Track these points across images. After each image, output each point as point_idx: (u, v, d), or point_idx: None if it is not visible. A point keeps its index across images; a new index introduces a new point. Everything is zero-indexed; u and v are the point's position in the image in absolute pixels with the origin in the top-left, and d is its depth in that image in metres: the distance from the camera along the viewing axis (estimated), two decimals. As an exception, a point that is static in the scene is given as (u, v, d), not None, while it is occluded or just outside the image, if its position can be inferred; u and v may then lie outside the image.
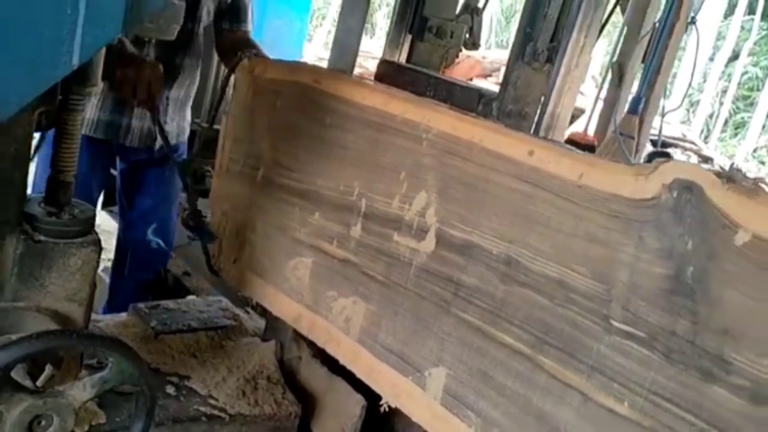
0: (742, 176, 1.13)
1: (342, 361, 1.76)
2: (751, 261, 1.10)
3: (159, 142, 2.53)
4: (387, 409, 1.66)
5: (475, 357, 1.47)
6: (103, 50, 1.40)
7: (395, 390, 1.63)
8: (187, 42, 2.47)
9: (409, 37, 2.23)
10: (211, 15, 2.55)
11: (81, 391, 1.29)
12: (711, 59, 16.91)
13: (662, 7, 3.65)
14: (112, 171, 2.76)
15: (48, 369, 1.27)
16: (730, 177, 1.14)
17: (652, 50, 3.51)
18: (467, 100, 1.91)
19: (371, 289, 1.68)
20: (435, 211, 1.56)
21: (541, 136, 1.83)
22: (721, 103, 17.25)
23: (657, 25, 3.53)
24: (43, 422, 1.25)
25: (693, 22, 3.65)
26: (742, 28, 17.35)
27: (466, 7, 2.20)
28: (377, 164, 1.67)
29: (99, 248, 1.46)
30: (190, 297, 2.90)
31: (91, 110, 2.44)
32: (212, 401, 1.81)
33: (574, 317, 1.32)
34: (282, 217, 1.90)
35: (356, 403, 1.77)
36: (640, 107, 3.49)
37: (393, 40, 2.44)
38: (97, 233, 1.48)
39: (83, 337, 1.33)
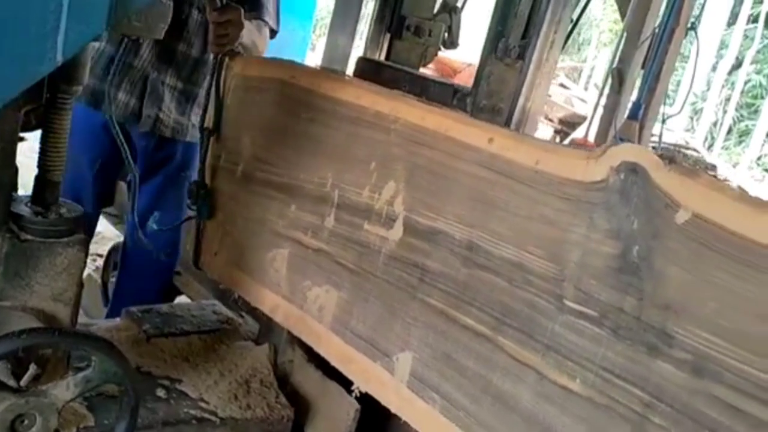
0: (683, 158, 1.17)
1: (316, 348, 1.81)
2: (692, 238, 1.14)
3: (146, 123, 2.51)
4: (382, 413, 1.66)
5: (439, 340, 1.52)
6: (90, 50, 1.42)
7: (366, 375, 1.67)
8: (181, 28, 2.44)
9: (389, 36, 2.30)
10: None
11: (64, 390, 1.29)
12: (714, 68, 16.94)
13: (662, 13, 3.66)
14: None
15: (32, 368, 1.28)
16: (672, 158, 1.18)
17: (651, 56, 3.54)
18: (442, 96, 1.96)
19: (343, 277, 1.73)
20: (402, 199, 1.60)
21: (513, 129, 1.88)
22: (725, 111, 17.26)
23: (657, 30, 3.56)
24: (26, 421, 1.25)
25: (693, 27, 3.67)
26: (746, 36, 17.38)
27: (444, 6, 2.25)
28: (349, 156, 1.72)
29: (86, 248, 1.46)
30: (183, 301, 2.94)
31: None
32: (203, 404, 1.80)
33: (530, 298, 1.36)
34: (260, 210, 1.95)
35: (350, 407, 1.78)
36: (640, 113, 3.50)
37: (373, 39, 2.50)
38: (84, 233, 1.48)
39: (66, 334, 1.33)
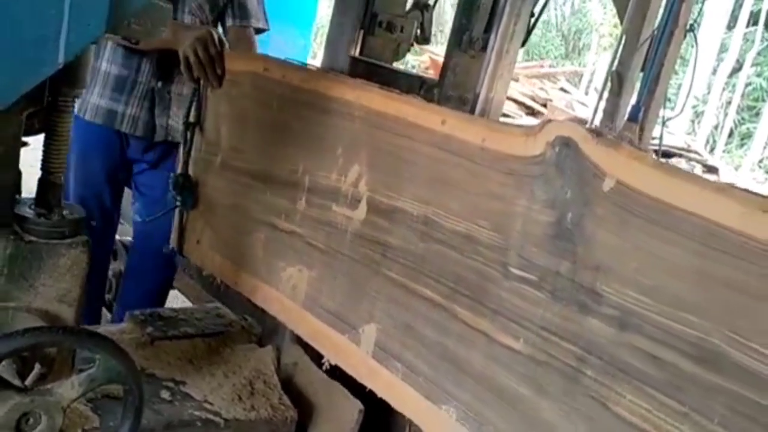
0: (609, 131, 1.28)
1: (290, 326, 1.91)
2: (616, 204, 1.24)
3: (161, 134, 2.64)
4: (384, 414, 1.72)
5: (400, 311, 1.62)
6: (91, 52, 1.43)
7: (335, 349, 1.77)
8: None
9: (362, 33, 2.40)
10: (206, 10, 2.61)
11: (69, 389, 1.28)
12: (714, 71, 17.00)
13: (660, 16, 3.68)
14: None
15: (37, 368, 1.29)
16: (599, 132, 1.28)
17: (651, 58, 3.57)
18: (410, 87, 2.05)
19: (314, 257, 1.83)
20: (366, 181, 1.71)
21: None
22: (726, 114, 17.32)
23: (655, 33, 3.60)
24: (31, 420, 1.25)
25: (692, 29, 3.69)
26: (746, 39, 17.44)
27: (416, 3, 2.36)
28: (318, 142, 1.83)
29: (89, 249, 1.46)
30: (174, 296, 3.05)
31: (93, 97, 2.55)
32: (207, 405, 1.81)
33: (480, 267, 1.47)
34: (238, 197, 2.06)
35: (353, 408, 1.79)
36: (640, 115, 3.53)
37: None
38: (87, 234, 1.48)
39: (70, 333, 1.33)
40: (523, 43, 2.16)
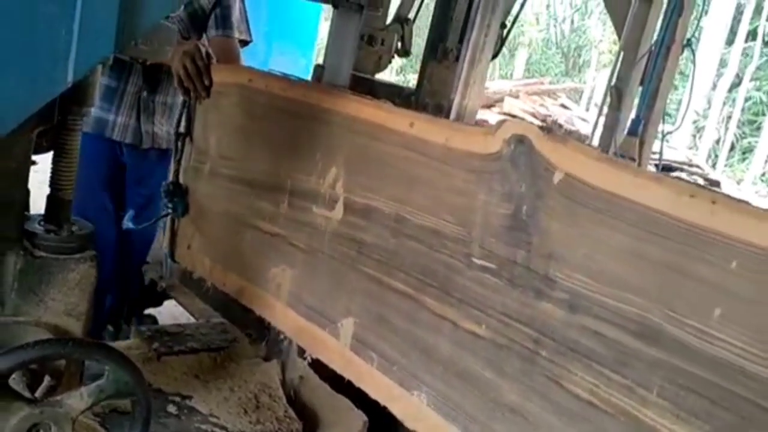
0: (558, 128, 1.37)
1: (274, 323, 2.01)
2: (565, 195, 1.34)
3: (147, 141, 2.77)
4: (388, 426, 1.75)
5: (375, 304, 1.71)
6: (99, 72, 1.46)
7: (315, 343, 1.86)
8: None
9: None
10: (186, 22, 2.73)
11: (78, 400, 1.29)
12: (714, 86, 17.11)
13: (658, 30, 3.73)
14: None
15: (47, 381, 1.33)
16: (550, 129, 1.38)
17: (649, 73, 3.62)
18: (389, 95, 2.16)
19: (295, 257, 1.93)
20: (343, 183, 1.81)
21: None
22: (727, 129, 17.41)
23: (653, 48, 3.65)
24: (41, 431, 1.26)
25: (689, 44, 3.74)
26: (745, 54, 17.58)
27: (397, 17, 2.47)
28: (299, 148, 1.93)
29: (97, 264, 1.49)
30: (169, 306, 3.13)
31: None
32: (213, 419, 1.82)
33: (446, 259, 1.56)
34: (226, 203, 2.16)
35: (358, 420, 1.82)
36: (640, 129, 3.57)
37: None
38: (95, 249, 1.51)
39: (79, 345, 1.34)
40: (496, 54, 2.28)
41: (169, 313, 3.31)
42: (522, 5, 2.41)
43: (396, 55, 2.51)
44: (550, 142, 1.37)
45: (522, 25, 22.79)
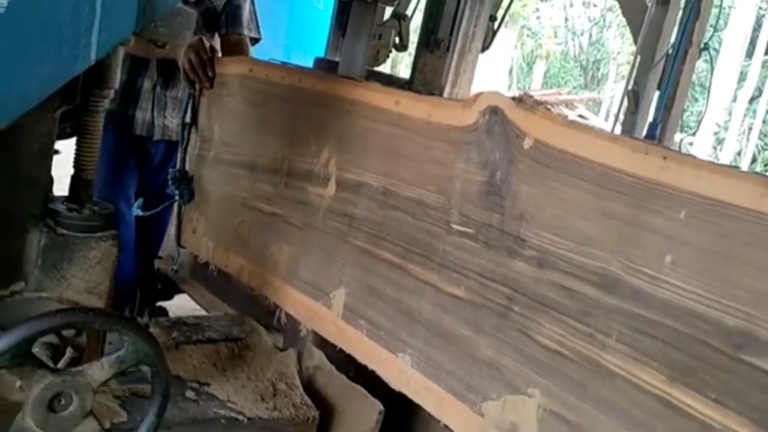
0: (528, 98, 1.47)
1: (272, 299, 2.10)
2: (534, 159, 1.43)
3: (158, 133, 2.91)
4: (404, 415, 1.82)
5: (364, 274, 1.80)
6: (121, 54, 1.49)
7: (310, 314, 1.95)
8: None
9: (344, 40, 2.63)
10: (199, 22, 2.83)
11: (99, 370, 1.31)
12: (735, 98, 17.08)
13: (674, 35, 3.76)
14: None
15: (69, 352, 1.36)
16: (520, 99, 1.47)
17: (666, 77, 3.67)
18: (384, 85, 2.26)
19: (292, 234, 2.02)
20: (335, 161, 1.90)
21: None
22: (748, 140, 17.35)
23: (670, 52, 3.64)
24: (63, 401, 1.27)
25: (706, 48, 3.78)
26: (765, 66, 17.53)
27: (394, 14, 2.57)
28: (295, 131, 2.03)
29: (119, 243, 1.53)
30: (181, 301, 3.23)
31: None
32: (231, 405, 1.85)
33: (428, 227, 1.65)
34: (228, 187, 2.27)
35: (374, 409, 1.83)
36: (657, 132, 3.62)
37: (333, 43, 2.86)
38: (117, 229, 1.56)
39: (101, 314, 1.36)
40: (488, 46, 2.37)
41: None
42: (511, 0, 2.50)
43: (394, 50, 2.61)
44: (521, 111, 1.46)
45: (540, 38, 22.96)
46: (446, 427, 1.60)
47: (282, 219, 2.06)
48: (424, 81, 2.25)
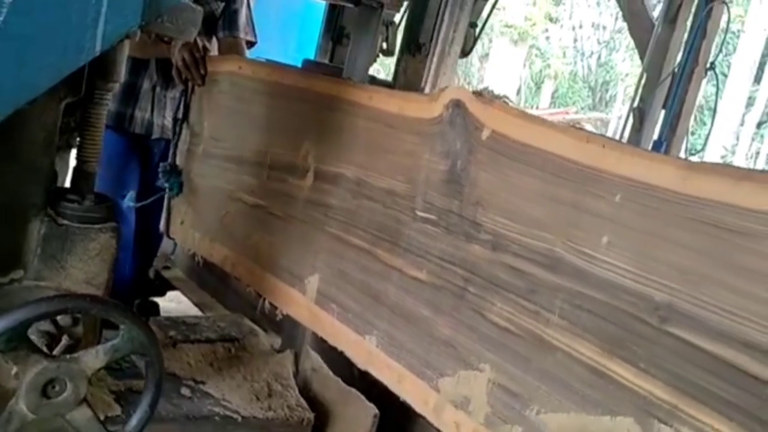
0: (488, 92, 1.56)
1: (253, 287, 2.19)
2: (491, 148, 1.52)
3: (157, 131, 3.00)
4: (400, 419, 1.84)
5: (337, 260, 1.89)
6: (126, 48, 1.50)
7: (286, 300, 2.04)
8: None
9: (332, 43, 2.74)
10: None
11: (93, 357, 1.30)
12: (743, 123, 17.14)
13: (681, 53, 3.74)
14: None
15: (65, 339, 1.35)
16: (480, 93, 1.57)
17: (672, 95, 3.72)
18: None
19: (274, 224, 2.12)
20: (314, 154, 2.00)
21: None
22: (756, 164, 17.38)
23: (676, 70, 3.70)
24: (57, 387, 1.27)
25: (712, 68, 3.78)
26: (771, 91, 17.59)
27: (382, 20, 2.68)
28: (278, 126, 2.13)
29: (118, 235, 1.52)
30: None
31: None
32: (226, 403, 1.87)
33: (396, 215, 1.74)
34: (215, 180, 2.37)
35: (369, 413, 1.85)
36: (662, 150, 3.65)
37: (322, 46, 2.98)
38: (117, 221, 1.55)
39: (97, 301, 1.36)
40: (469, 51, 2.47)
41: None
42: (492, 6, 2.60)
43: (381, 55, 2.71)
44: (480, 104, 1.55)
45: (549, 58, 23.09)
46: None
47: (264, 210, 2.16)
48: (406, 83, 2.35)
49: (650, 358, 1.22)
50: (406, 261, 1.70)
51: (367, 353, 1.77)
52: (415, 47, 2.33)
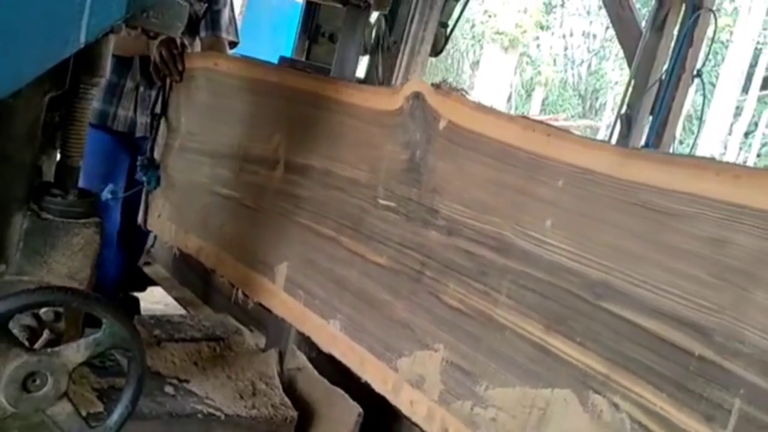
0: (446, 84, 1.63)
1: (226, 277, 2.25)
2: (448, 138, 1.59)
3: (140, 129, 3.07)
4: (384, 418, 1.87)
5: (305, 249, 1.96)
6: (111, 43, 1.50)
7: (256, 287, 2.11)
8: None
9: (308, 41, 2.82)
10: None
11: (75, 352, 1.29)
12: (730, 132, 17.31)
13: (668, 60, 3.78)
14: None
15: (46, 334, 1.35)
16: (438, 86, 1.64)
17: (659, 102, 3.78)
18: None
19: (246, 215, 2.18)
20: (284, 146, 2.07)
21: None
22: (743, 174, 17.51)
23: (663, 77, 3.74)
24: (38, 381, 1.25)
25: (699, 75, 3.82)
26: (760, 101, 17.78)
27: (358, 20, 2.76)
28: (251, 120, 2.20)
29: (101, 230, 1.52)
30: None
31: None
32: (209, 401, 1.88)
33: (359, 203, 1.81)
34: (191, 174, 2.43)
35: (353, 411, 1.88)
36: None
37: (298, 45, 3.06)
38: (100, 216, 1.55)
39: (79, 294, 1.34)
40: (440, 51, 2.55)
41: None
42: (463, 8, 2.68)
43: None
44: (438, 96, 1.62)
45: (539, 66, 23.24)
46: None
47: (237, 201, 2.22)
48: (378, 79, 2.42)
49: (587, 332, 1.29)
50: (369, 247, 1.77)
51: (331, 337, 1.84)
52: (386, 45, 2.41)
